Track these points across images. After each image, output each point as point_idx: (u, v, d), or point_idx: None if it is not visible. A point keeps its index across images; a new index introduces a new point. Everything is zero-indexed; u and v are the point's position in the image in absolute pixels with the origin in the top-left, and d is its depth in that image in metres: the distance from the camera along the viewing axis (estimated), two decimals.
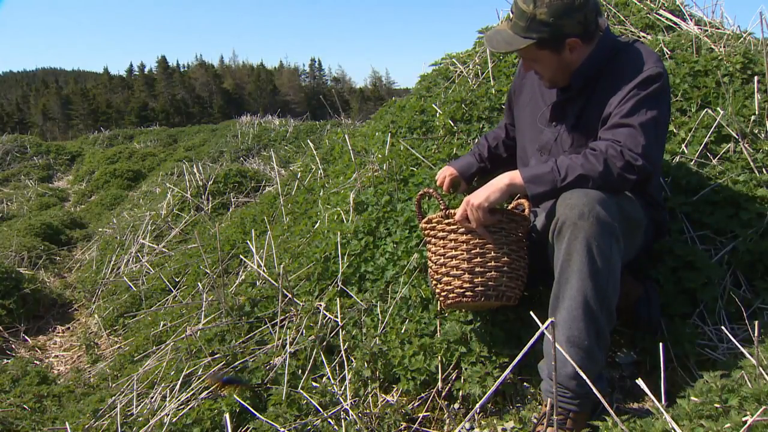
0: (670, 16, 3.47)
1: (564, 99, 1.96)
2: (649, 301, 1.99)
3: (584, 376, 1.37)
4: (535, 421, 1.79)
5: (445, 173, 2.31)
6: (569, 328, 1.62)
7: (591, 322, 1.62)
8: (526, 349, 1.22)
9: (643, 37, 3.33)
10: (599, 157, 1.69)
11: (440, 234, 1.89)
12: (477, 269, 1.82)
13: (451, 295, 1.86)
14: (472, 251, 1.82)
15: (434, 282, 1.93)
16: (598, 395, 1.34)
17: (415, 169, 2.91)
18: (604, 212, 1.61)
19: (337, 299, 2.41)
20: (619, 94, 1.78)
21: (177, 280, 3.98)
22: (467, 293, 1.83)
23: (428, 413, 1.99)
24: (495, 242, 1.81)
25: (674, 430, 1.29)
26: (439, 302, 2.04)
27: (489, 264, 1.81)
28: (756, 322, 1.40)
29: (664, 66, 1.83)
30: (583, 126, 1.91)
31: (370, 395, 2.08)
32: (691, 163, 2.45)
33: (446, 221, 1.87)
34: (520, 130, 2.17)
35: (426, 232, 1.95)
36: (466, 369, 1.99)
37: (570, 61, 1.85)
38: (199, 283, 3.51)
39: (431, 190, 1.93)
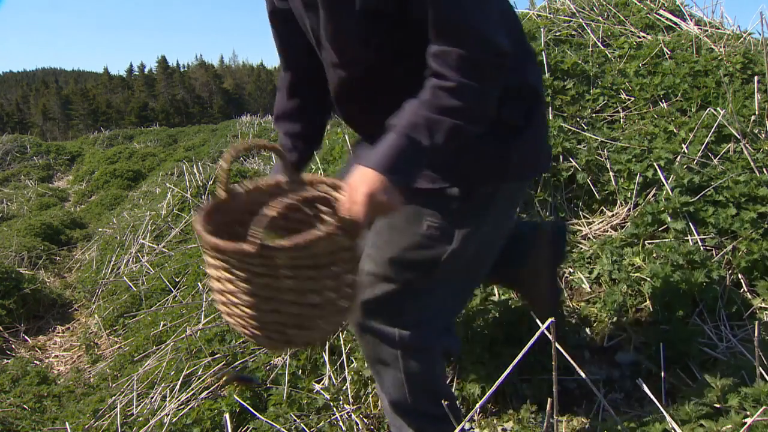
0: (670, 16, 3.47)
1: None
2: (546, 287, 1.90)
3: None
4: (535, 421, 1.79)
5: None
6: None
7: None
8: (526, 349, 1.22)
9: (643, 37, 3.33)
10: (460, 90, 1.20)
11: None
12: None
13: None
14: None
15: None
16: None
17: None
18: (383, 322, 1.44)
19: None
20: None
21: (177, 280, 3.98)
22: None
23: None
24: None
25: (674, 430, 1.29)
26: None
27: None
28: (756, 322, 1.40)
29: None
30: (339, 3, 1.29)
31: (371, 396, 2.08)
32: (692, 163, 2.45)
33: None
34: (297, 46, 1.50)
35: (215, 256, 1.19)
36: (466, 369, 1.99)
37: None
38: (199, 283, 3.50)
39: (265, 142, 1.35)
